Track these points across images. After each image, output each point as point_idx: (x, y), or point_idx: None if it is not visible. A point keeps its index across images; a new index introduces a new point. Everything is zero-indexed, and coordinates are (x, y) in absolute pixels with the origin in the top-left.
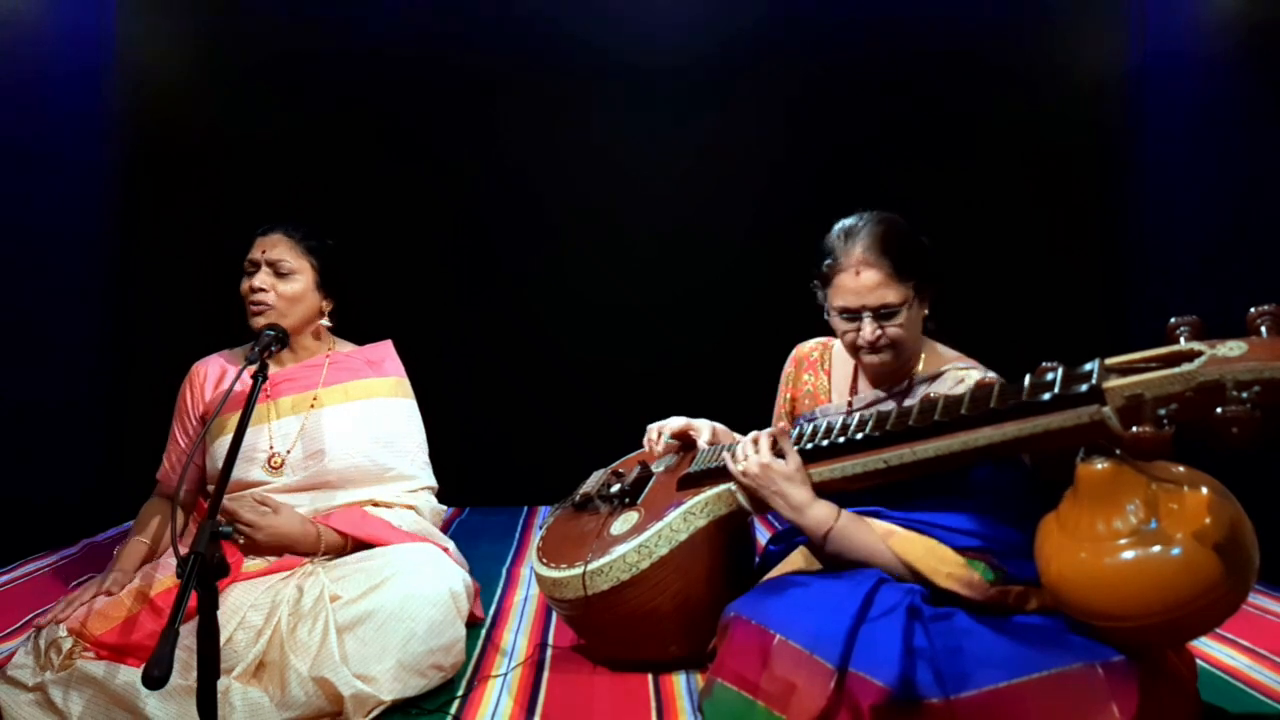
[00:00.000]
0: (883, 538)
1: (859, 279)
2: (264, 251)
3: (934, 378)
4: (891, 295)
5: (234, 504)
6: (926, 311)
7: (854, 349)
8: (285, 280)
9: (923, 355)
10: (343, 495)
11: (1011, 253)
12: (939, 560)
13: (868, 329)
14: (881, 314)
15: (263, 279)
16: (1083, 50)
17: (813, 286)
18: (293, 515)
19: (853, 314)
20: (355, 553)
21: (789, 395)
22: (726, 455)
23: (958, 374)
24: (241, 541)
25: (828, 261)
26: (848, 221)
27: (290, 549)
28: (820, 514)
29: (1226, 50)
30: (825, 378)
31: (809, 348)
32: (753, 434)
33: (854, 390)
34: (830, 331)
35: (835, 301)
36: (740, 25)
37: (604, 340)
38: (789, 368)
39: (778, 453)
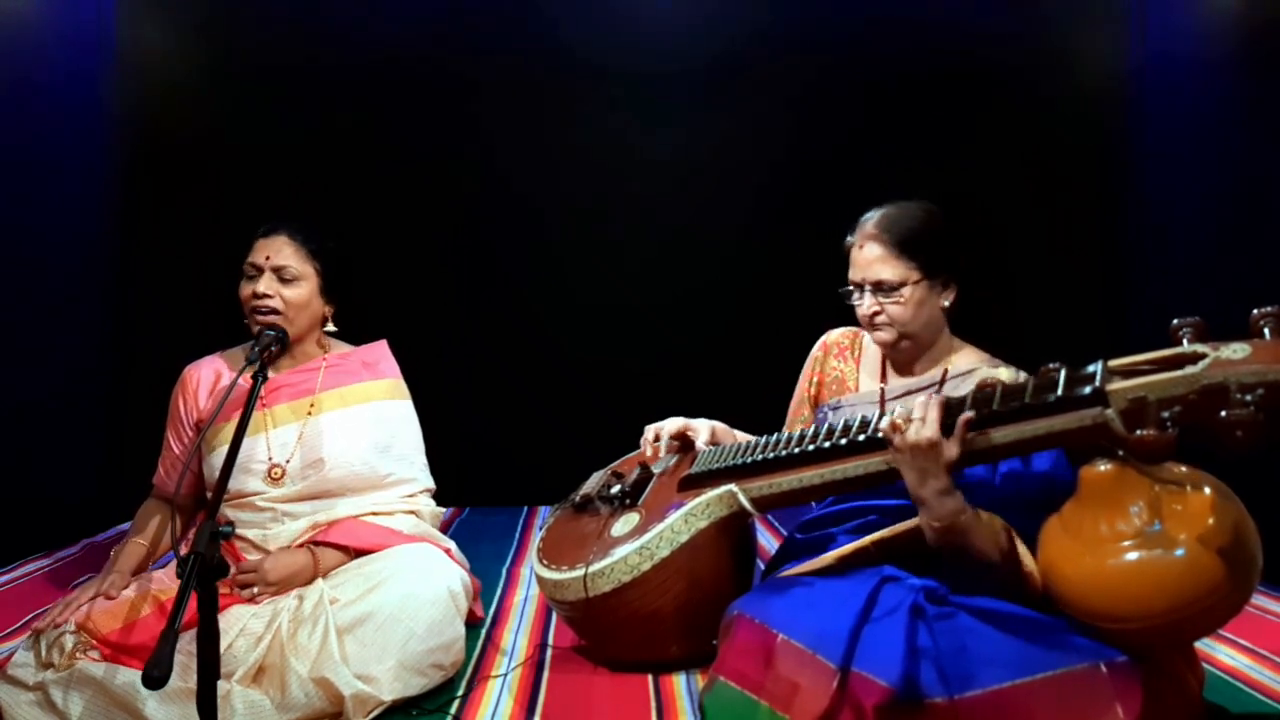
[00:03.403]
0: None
1: (861, 252)
2: (267, 256)
3: (967, 373)
4: (887, 271)
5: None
6: (946, 304)
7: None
8: (290, 286)
9: (956, 352)
10: (343, 503)
11: (1011, 253)
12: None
13: (865, 302)
14: (877, 289)
15: (267, 284)
16: (1083, 50)
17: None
18: (279, 555)
19: (855, 287)
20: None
21: (815, 379)
22: (879, 416)
23: (988, 373)
24: (258, 595)
25: (847, 240)
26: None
27: (296, 579)
28: (955, 504)
29: (1227, 50)
30: (854, 365)
31: (839, 334)
32: (922, 399)
33: (884, 379)
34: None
35: (849, 277)
36: (740, 25)
37: (604, 340)
38: (816, 352)
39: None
